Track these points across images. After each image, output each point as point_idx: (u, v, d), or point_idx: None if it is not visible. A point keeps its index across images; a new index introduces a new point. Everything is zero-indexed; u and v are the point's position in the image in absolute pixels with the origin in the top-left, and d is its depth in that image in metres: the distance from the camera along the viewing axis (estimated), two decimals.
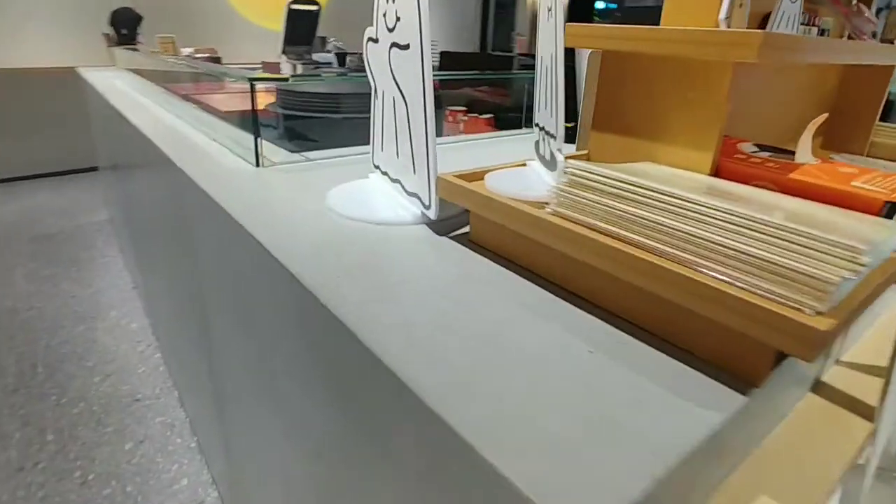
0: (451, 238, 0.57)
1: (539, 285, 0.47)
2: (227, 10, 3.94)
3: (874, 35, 0.65)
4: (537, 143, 0.58)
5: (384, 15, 0.61)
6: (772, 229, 0.33)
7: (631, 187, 0.39)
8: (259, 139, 0.81)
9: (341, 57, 2.27)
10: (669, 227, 0.37)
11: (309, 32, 2.37)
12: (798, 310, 0.31)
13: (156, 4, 3.39)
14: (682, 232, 0.37)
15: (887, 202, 0.41)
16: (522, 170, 0.58)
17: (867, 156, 0.85)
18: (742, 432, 0.37)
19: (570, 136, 1.08)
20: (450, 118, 1.23)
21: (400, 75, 0.60)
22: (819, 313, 0.31)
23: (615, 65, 0.54)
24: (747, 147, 0.53)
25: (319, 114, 1.07)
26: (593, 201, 0.41)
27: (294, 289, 0.48)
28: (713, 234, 0.35)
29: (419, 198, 0.59)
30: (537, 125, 0.57)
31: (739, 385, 0.35)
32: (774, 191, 0.46)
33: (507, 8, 8.16)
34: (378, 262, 0.51)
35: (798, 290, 0.31)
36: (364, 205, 0.65)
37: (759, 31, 0.41)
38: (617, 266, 0.39)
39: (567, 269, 0.46)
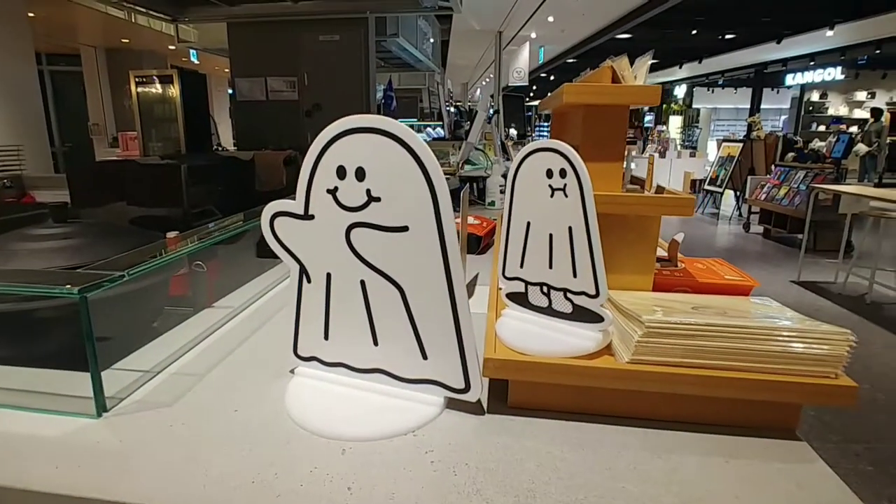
0: (495, 414, 0.55)
1: (609, 423, 0.53)
2: None
3: None
4: (519, 294, 0.62)
5: (333, 191, 0.54)
6: (801, 332, 0.51)
7: (700, 327, 0.51)
8: (97, 372, 0.53)
9: None
10: (734, 349, 0.51)
11: None
12: (827, 377, 0.50)
13: None
14: (741, 348, 0.51)
15: (752, 287, 0.66)
16: (513, 324, 0.62)
17: None
18: None
19: None
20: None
21: (381, 258, 0.54)
22: (838, 376, 0.50)
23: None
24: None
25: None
26: (670, 344, 0.51)
27: None
28: (760, 344, 0.51)
29: (442, 384, 0.54)
30: (520, 279, 0.62)
31: (792, 436, 0.52)
32: (690, 293, 0.66)
33: (73, 94, 6.92)
34: (505, 468, 0.45)
35: (827, 365, 0.50)
36: (367, 417, 0.54)
37: (692, 195, 0.60)
38: (708, 388, 0.50)
39: (633, 400, 0.54)
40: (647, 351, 0.51)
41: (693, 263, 0.74)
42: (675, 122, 16.07)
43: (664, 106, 16.60)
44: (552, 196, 0.56)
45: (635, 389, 0.51)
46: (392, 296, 0.55)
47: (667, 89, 16.68)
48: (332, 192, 0.54)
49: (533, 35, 8.11)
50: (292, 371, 0.62)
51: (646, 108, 12.47)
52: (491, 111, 2.03)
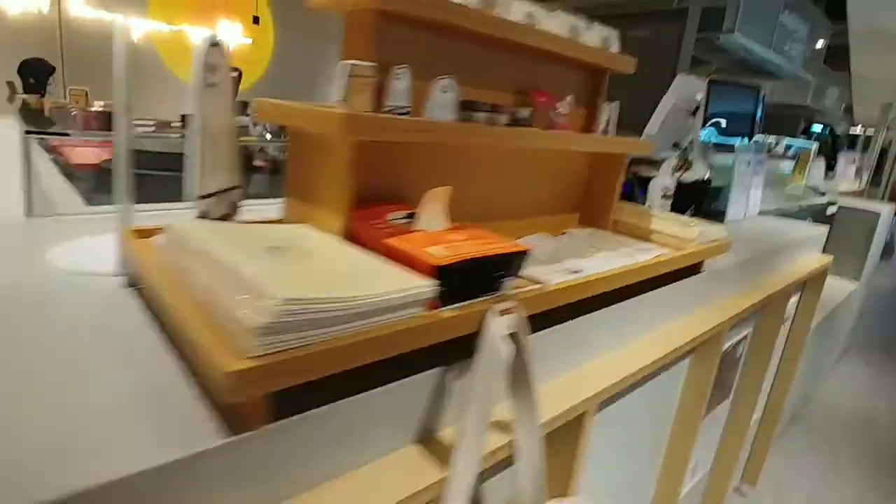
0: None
1: None
2: (159, 68, 4.00)
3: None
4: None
5: None
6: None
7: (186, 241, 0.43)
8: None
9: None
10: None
11: None
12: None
13: (76, 58, 3.40)
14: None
15: (436, 266, 0.46)
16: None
17: (614, 231, 0.93)
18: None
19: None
20: None
21: None
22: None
23: (295, 139, 0.60)
24: (398, 215, 0.58)
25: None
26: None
27: None
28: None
29: None
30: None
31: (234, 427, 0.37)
32: (383, 254, 0.50)
33: None
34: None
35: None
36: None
37: (343, 112, 0.47)
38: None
39: None
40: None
41: (441, 233, 0.53)
42: None
43: None
44: (214, 94, 0.53)
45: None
46: None
47: None
48: None
49: None
50: None
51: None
52: (698, 96, 1.64)
